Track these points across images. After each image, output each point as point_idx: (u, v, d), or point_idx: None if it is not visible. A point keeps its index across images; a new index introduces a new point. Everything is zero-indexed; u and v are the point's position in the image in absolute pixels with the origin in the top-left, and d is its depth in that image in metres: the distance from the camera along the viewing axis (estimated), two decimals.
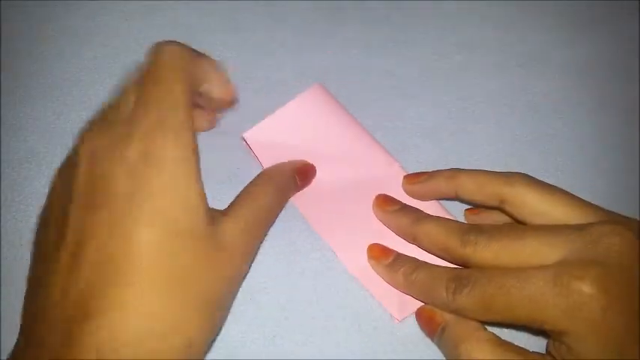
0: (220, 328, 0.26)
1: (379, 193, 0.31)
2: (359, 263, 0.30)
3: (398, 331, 0.29)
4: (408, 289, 0.28)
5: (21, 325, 0.24)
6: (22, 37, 0.38)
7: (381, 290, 0.29)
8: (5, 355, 0.28)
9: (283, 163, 0.31)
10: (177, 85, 0.24)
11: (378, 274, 0.29)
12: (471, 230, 0.26)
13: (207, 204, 0.24)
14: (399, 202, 0.31)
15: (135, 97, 0.24)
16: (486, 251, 0.25)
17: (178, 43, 0.25)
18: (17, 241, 0.31)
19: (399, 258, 0.29)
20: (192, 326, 0.22)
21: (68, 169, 0.24)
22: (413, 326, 0.29)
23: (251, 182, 0.28)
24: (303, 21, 0.38)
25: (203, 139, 0.34)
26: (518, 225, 0.28)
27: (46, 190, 0.32)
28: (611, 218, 0.25)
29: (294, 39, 0.38)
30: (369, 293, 0.29)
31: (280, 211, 0.30)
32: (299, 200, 0.31)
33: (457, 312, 0.26)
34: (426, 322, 0.28)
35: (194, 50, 0.26)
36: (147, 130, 0.23)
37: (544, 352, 0.26)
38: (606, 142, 0.35)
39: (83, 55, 0.37)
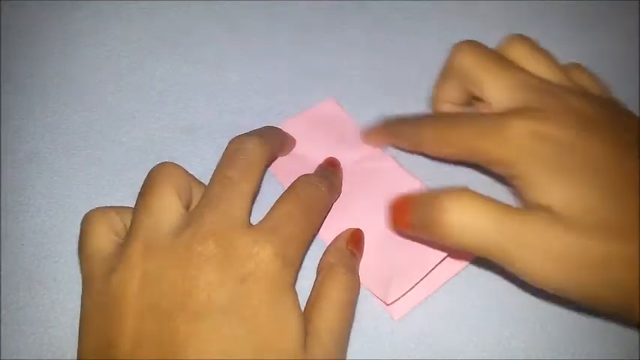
0: None
1: (380, 191, 0.31)
2: None
3: (398, 331, 0.29)
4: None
5: None
6: (21, 37, 0.38)
7: (369, 278, 0.29)
8: (5, 355, 0.28)
9: (336, 241, 0.29)
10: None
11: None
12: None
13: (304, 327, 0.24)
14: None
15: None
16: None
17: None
18: (17, 241, 0.31)
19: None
20: None
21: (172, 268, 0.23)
22: (413, 326, 0.29)
23: (319, 281, 0.27)
24: (303, 21, 0.38)
25: (204, 140, 0.34)
26: None
27: (46, 191, 0.32)
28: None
29: (294, 39, 0.38)
30: (369, 292, 0.29)
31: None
32: None
33: (418, 145, 0.29)
34: (400, 205, 0.27)
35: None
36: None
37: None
38: None
39: (83, 56, 0.37)
